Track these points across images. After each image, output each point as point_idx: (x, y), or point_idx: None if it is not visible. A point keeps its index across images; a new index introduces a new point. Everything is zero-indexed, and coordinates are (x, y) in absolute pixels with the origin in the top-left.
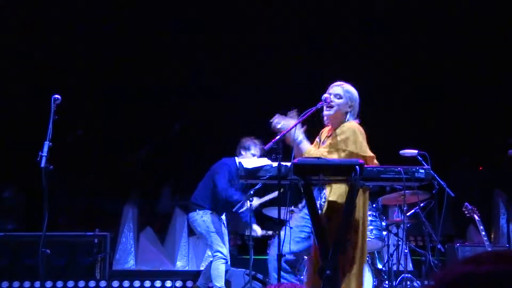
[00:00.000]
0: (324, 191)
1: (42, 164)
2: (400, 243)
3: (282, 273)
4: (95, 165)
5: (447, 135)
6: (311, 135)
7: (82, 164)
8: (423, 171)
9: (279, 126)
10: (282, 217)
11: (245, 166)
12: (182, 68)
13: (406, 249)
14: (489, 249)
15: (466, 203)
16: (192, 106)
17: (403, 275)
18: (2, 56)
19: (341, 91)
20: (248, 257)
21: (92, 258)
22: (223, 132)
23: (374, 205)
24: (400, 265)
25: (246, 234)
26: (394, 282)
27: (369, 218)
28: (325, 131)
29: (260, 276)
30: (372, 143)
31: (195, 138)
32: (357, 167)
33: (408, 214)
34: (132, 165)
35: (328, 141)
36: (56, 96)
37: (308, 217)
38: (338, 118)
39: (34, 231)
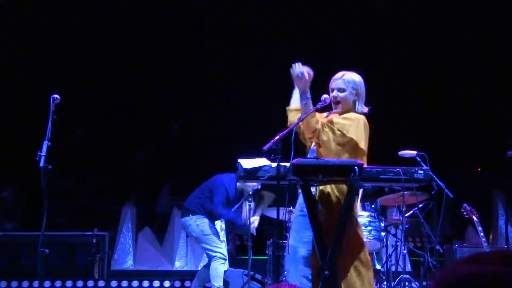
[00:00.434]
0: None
1: (41, 164)
2: (398, 244)
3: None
4: (94, 165)
5: (446, 136)
6: None
7: (81, 164)
8: (422, 172)
9: (300, 75)
10: (281, 217)
11: (244, 166)
12: (181, 68)
13: (404, 250)
14: (487, 250)
15: (465, 204)
16: (191, 107)
17: (401, 276)
18: (4, 49)
19: (342, 84)
20: (247, 257)
21: (90, 258)
22: (222, 132)
23: (372, 206)
24: (398, 266)
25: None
26: (392, 283)
27: (368, 218)
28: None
29: (258, 276)
30: (371, 144)
31: (194, 138)
32: (356, 167)
33: (406, 215)
34: (131, 165)
35: (329, 117)
36: (55, 95)
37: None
38: (348, 110)
39: (32, 231)
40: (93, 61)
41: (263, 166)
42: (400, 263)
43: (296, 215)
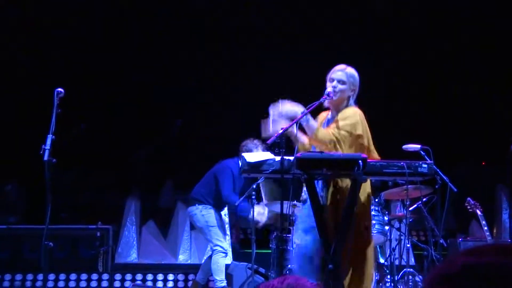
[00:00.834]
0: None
1: (45, 158)
2: (402, 237)
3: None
4: (98, 159)
5: (450, 130)
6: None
7: (85, 158)
8: (426, 166)
9: (283, 112)
10: (285, 211)
11: (248, 160)
12: (185, 63)
13: (408, 244)
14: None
15: (468, 198)
16: (194, 101)
17: (405, 269)
18: (4, 48)
19: (344, 77)
20: (251, 251)
21: (94, 251)
22: (224, 126)
23: (376, 200)
24: (402, 260)
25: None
26: (396, 277)
27: (372, 212)
28: (323, 115)
29: (262, 270)
30: (375, 138)
31: (197, 132)
32: (360, 161)
33: (410, 208)
34: (135, 159)
35: (332, 125)
36: (59, 89)
37: None
38: (341, 102)
39: (36, 225)
40: (94, 59)
41: (267, 159)
42: (404, 256)
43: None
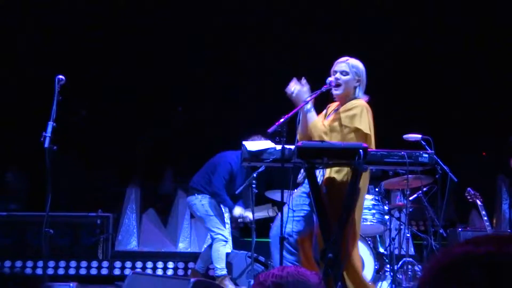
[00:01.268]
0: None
1: (46, 145)
2: (402, 227)
3: (286, 255)
4: (98, 146)
5: (451, 120)
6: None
7: (85, 145)
8: (426, 155)
9: (294, 93)
10: (284, 200)
11: (248, 149)
12: (186, 54)
13: (408, 234)
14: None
15: (468, 188)
16: (195, 90)
17: (404, 259)
18: (4, 36)
19: (346, 68)
20: (251, 239)
21: (94, 239)
22: (226, 115)
23: (376, 189)
24: (401, 249)
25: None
26: (395, 266)
27: (372, 202)
28: (333, 105)
29: (262, 258)
30: (375, 128)
31: (198, 120)
32: (360, 150)
33: (410, 198)
34: (136, 146)
35: (332, 116)
36: (60, 76)
37: (305, 195)
38: (347, 95)
39: (37, 212)
40: (97, 43)
41: (268, 148)
42: (404, 246)
43: None
